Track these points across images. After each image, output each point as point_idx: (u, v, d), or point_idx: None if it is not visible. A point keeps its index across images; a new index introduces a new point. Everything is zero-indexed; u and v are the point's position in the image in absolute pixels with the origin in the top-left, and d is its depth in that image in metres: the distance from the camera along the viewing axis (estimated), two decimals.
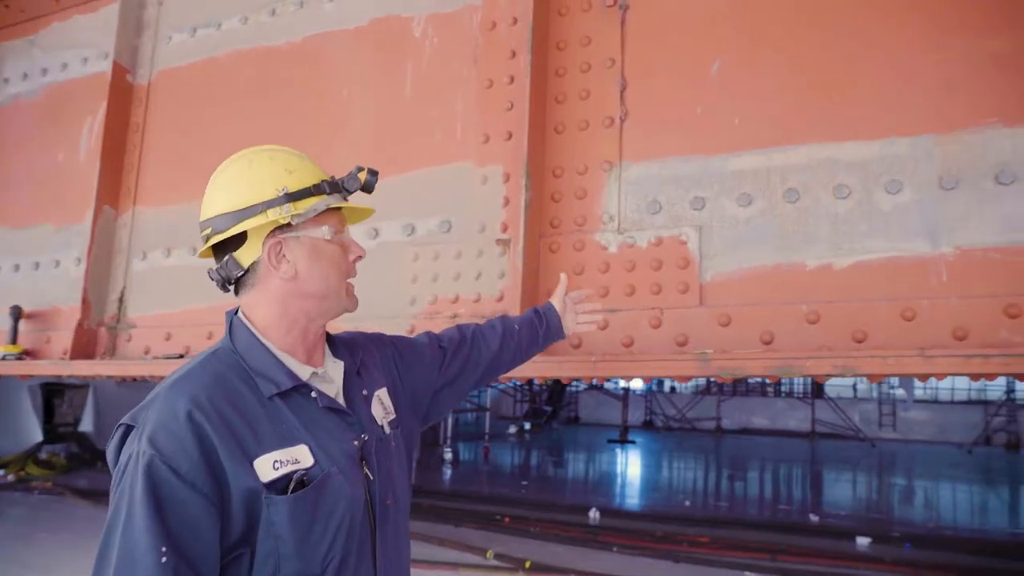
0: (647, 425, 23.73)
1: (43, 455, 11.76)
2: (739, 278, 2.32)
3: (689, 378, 2.62)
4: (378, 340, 1.67)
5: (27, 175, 3.98)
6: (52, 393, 12.02)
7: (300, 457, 1.26)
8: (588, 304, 2.12)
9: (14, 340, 3.62)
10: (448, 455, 14.23)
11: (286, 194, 1.34)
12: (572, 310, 2.08)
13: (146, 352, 3.45)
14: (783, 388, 23.09)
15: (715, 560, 6.44)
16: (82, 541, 7.04)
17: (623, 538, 7.29)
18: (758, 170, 2.35)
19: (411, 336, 1.80)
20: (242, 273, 1.36)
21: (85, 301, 3.51)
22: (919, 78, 2.20)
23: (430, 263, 2.78)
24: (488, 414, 18.09)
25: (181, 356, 3.27)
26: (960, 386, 21.89)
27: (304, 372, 1.36)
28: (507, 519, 8.12)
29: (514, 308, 2.44)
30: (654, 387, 23.97)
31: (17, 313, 3.66)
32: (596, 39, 2.65)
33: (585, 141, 2.60)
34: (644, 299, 2.41)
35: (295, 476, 1.23)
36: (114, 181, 3.58)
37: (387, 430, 1.48)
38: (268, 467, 1.21)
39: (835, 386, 21.99)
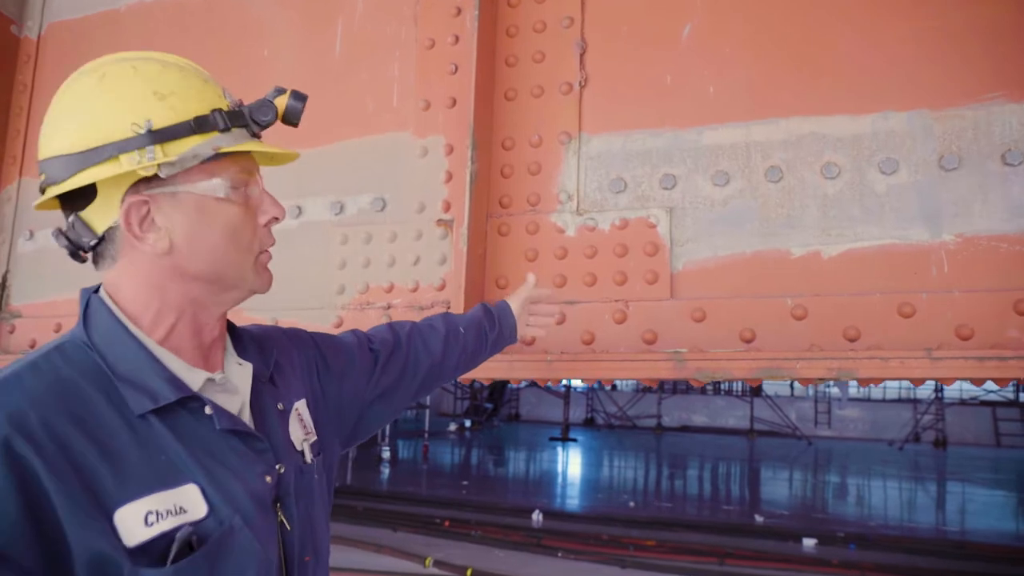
0: (588, 423, 23.67)
1: None
2: (715, 267, 2.03)
3: (658, 380, 2.31)
4: (296, 337, 1.32)
5: None
6: None
7: (187, 504, 0.90)
8: (545, 306, 1.87)
9: None
10: (386, 454, 13.85)
11: (149, 132, 0.94)
12: (527, 310, 1.82)
13: (32, 345, 2.99)
14: (722, 386, 23.33)
15: (663, 565, 6.24)
16: None
17: (568, 542, 7.04)
18: (736, 145, 2.07)
19: (335, 335, 1.44)
20: (96, 241, 0.99)
21: None
22: (917, 46, 1.95)
23: (361, 246, 2.41)
24: (428, 411, 17.69)
25: None
26: (891, 384, 22.50)
27: (194, 378, 0.99)
28: (447, 522, 7.78)
29: (457, 298, 2.10)
30: (596, 384, 23.95)
31: None
32: None
33: (539, 109, 2.27)
34: (607, 290, 2.10)
35: (179, 535, 0.86)
36: None
37: (308, 458, 1.12)
38: (137, 522, 0.84)
39: (772, 383, 22.34)
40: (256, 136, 1.08)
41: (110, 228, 0.98)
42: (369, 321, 2.34)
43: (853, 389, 22.09)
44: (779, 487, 12.54)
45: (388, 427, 14.40)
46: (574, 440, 18.87)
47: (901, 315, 1.86)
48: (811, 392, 22.06)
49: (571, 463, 15.27)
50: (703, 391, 23.43)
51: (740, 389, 22.68)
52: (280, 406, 1.12)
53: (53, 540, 0.79)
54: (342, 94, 2.56)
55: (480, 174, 2.21)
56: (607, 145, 2.19)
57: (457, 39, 2.36)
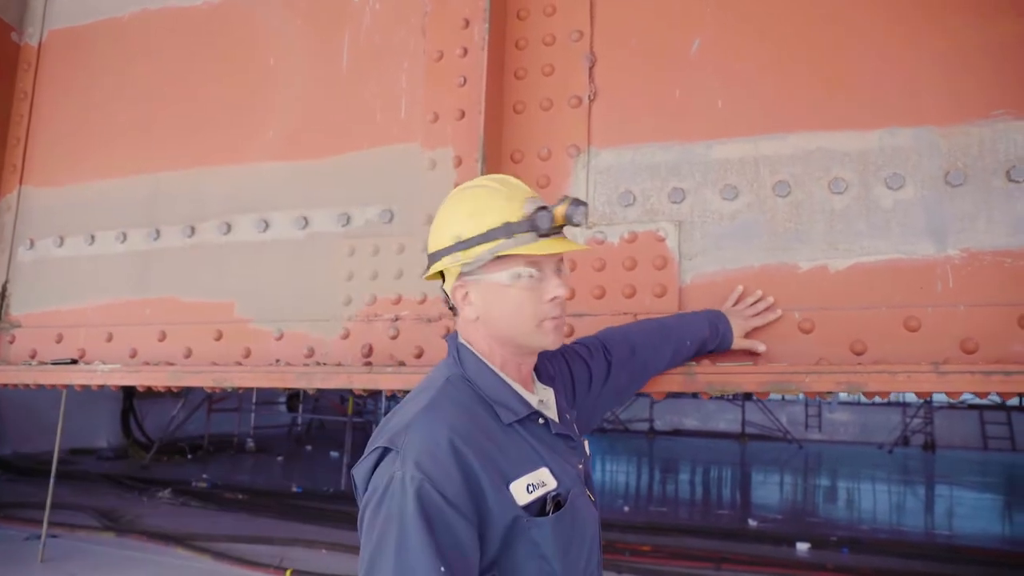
0: None
1: None
2: (724, 280, 2.05)
3: (666, 393, 2.29)
4: (550, 356, 1.62)
5: None
6: None
7: (545, 480, 1.30)
8: (761, 303, 1.97)
9: None
10: None
11: (457, 242, 1.38)
12: (741, 315, 1.94)
13: (32, 356, 2.98)
14: None
15: (659, 570, 6.25)
16: None
17: None
18: (745, 159, 2.08)
19: (578, 344, 1.73)
20: (452, 304, 1.45)
21: None
22: (924, 63, 1.97)
23: (368, 258, 2.42)
24: None
25: (74, 361, 2.82)
26: None
27: (532, 399, 1.41)
28: None
29: None
30: None
31: None
32: (562, 9, 2.34)
33: (548, 122, 2.28)
34: (615, 303, 2.12)
35: (548, 497, 1.28)
36: None
37: (587, 451, 1.55)
38: (523, 491, 1.26)
39: None
40: (546, 235, 1.35)
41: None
42: (376, 334, 2.34)
43: (842, 393, 22.15)
44: (771, 491, 12.59)
45: None
46: None
47: (907, 329, 1.88)
48: (801, 396, 22.15)
49: None
50: (694, 395, 23.49)
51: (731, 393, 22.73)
52: (568, 416, 1.52)
53: (480, 500, 1.21)
54: (349, 105, 2.57)
55: None
56: (616, 158, 2.20)
57: (466, 51, 2.37)
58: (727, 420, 21.91)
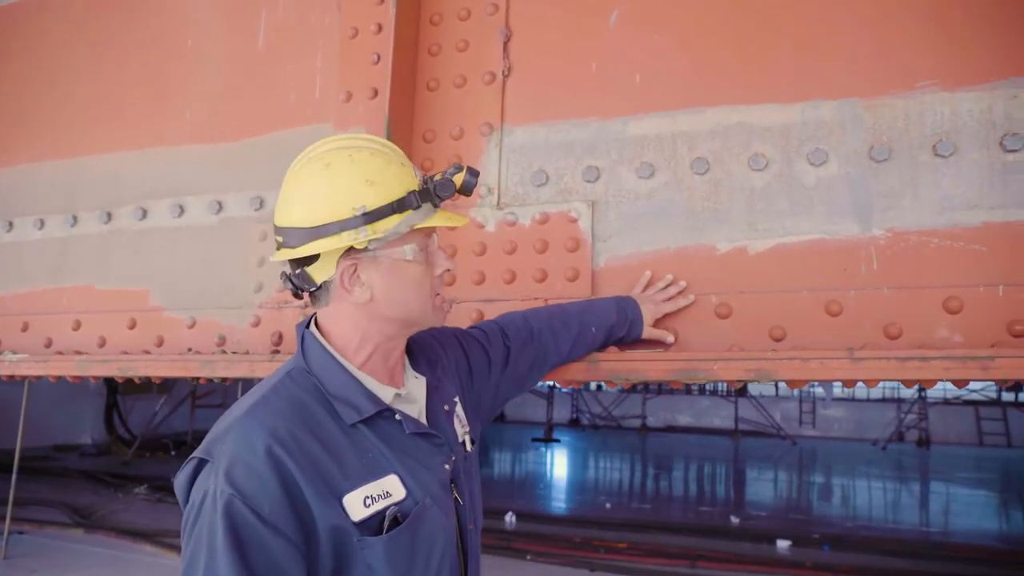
0: (573, 423, 23.59)
1: None
2: (638, 264, 1.94)
3: (572, 383, 2.17)
4: (444, 339, 1.52)
5: None
6: None
7: (391, 490, 1.17)
8: (673, 288, 1.86)
9: None
10: None
11: (364, 214, 1.18)
12: (652, 301, 1.83)
13: None
14: (708, 386, 23.25)
15: (632, 568, 6.15)
16: None
17: (538, 545, 6.94)
18: (662, 136, 1.97)
19: (475, 329, 1.62)
20: (315, 288, 1.25)
21: None
22: (848, 33, 1.87)
23: None
24: None
25: None
26: None
27: (386, 394, 1.25)
28: None
29: None
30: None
31: None
32: None
33: (461, 100, 2.17)
34: (526, 287, 2.01)
35: (388, 512, 1.15)
36: None
37: (468, 447, 1.40)
38: (359, 505, 1.12)
39: (757, 384, 22.23)
40: (437, 207, 1.24)
41: (326, 281, 1.22)
42: (286, 322, 2.24)
43: (837, 389, 22.04)
44: (760, 488, 12.48)
45: None
46: (557, 441, 18.78)
47: (829, 313, 1.78)
48: (796, 392, 22.03)
49: (551, 464, 15.17)
50: (688, 391, 23.34)
51: (724, 390, 22.61)
52: (446, 407, 1.37)
53: (304, 516, 1.07)
54: (265, 85, 2.46)
55: None
56: (530, 136, 2.10)
57: (380, 28, 2.26)
58: (721, 416, 21.81)
